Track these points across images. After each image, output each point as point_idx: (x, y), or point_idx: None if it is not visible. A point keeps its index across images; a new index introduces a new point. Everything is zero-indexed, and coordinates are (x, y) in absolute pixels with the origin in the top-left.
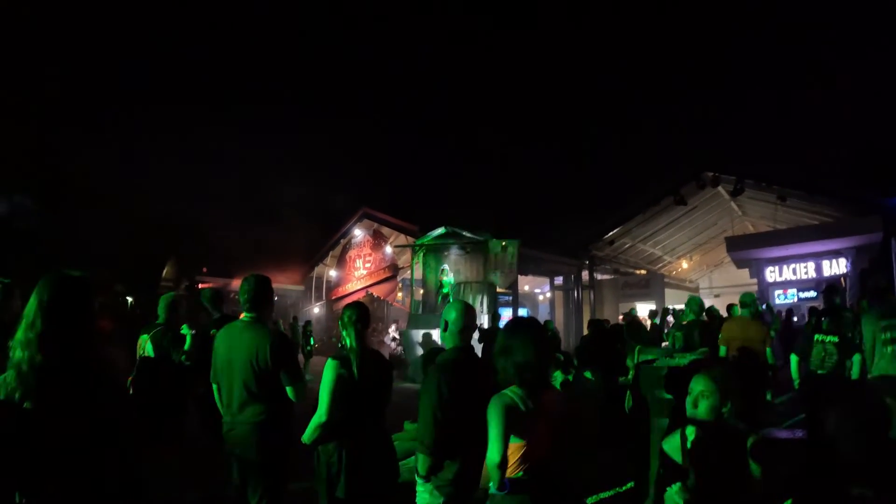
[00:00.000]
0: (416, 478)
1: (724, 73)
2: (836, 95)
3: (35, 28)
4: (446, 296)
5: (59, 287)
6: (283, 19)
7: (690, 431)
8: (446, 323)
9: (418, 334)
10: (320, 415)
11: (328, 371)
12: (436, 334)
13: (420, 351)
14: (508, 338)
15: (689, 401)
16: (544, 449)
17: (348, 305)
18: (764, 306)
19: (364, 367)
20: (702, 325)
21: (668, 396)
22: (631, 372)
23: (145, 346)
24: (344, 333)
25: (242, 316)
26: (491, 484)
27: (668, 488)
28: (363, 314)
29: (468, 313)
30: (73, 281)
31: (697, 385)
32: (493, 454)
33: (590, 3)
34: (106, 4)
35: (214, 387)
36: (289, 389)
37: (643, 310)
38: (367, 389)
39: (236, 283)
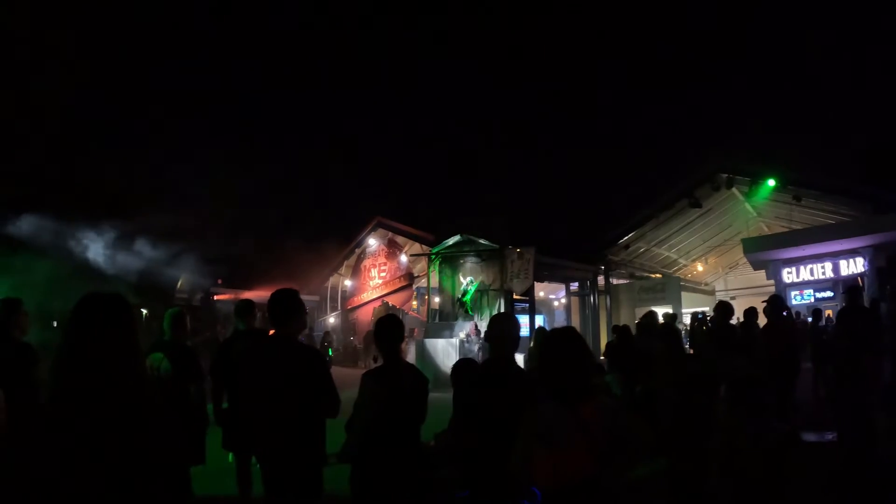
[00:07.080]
0: None
1: (737, 74)
2: (850, 93)
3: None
4: (465, 304)
5: (94, 306)
6: (297, 31)
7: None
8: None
9: (435, 343)
10: (357, 431)
11: (364, 388)
12: (440, 343)
13: (438, 359)
14: (540, 353)
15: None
16: (580, 461)
17: (381, 319)
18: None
19: (401, 383)
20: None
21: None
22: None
23: (161, 364)
24: (377, 348)
25: (272, 332)
26: None
27: None
28: (397, 328)
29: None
30: (108, 299)
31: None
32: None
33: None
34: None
35: (244, 403)
36: (323, 405)
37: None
38: (404, 405)
39: (247, 295)
